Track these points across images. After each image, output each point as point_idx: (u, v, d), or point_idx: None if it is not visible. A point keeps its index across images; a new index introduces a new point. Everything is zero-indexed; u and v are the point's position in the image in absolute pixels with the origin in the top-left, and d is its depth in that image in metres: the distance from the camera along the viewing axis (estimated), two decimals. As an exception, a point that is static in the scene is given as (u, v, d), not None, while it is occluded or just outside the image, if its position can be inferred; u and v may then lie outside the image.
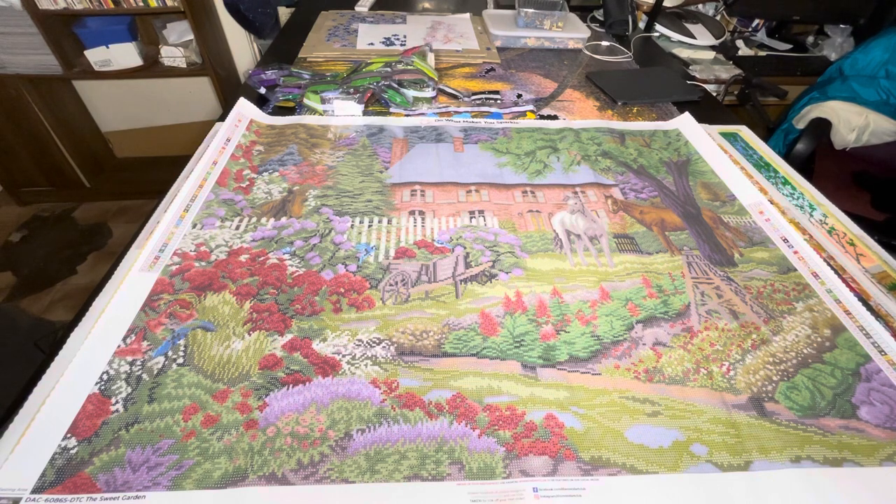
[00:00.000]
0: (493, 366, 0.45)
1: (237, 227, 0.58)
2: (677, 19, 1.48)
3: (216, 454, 0.38)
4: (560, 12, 1.13)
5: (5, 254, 1.74)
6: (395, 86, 0.86)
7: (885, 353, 0.48)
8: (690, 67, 1.35)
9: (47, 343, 0.89)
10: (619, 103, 0.92)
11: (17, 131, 1.74)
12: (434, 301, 0.52)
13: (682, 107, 0.91)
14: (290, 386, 0.43)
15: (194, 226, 0.58)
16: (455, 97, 0.90)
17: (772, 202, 0.66)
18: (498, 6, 1.34)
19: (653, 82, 1.00)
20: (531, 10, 1.12)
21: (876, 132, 1.20)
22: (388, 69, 0.88)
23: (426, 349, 0.47)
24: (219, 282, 0.51)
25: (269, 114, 0.81)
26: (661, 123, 0.86)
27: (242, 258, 0.54)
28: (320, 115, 0.81)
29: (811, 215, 0.67)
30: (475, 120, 0.83)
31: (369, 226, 0.60)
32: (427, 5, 1.43)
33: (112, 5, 1.49)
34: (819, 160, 1.30)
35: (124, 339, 0.45)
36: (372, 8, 1.31)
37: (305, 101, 0.82)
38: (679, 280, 0.56)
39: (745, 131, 0.87)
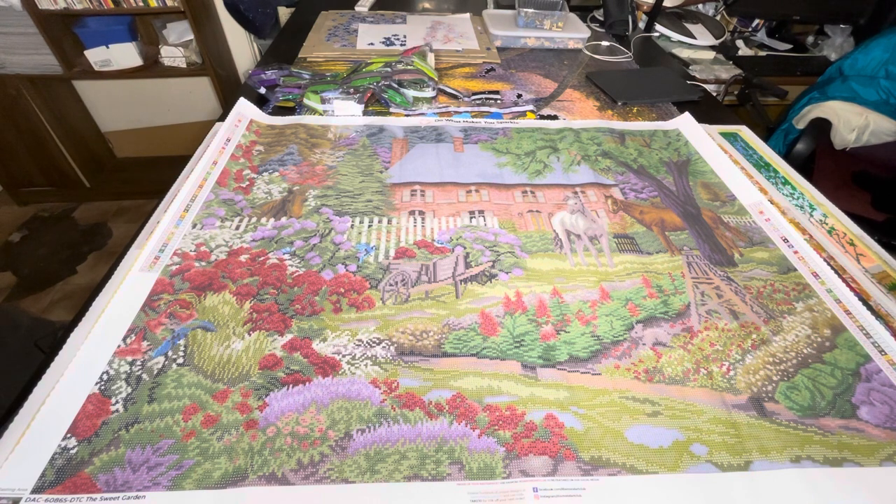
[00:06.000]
0: (493, 366, 0.45)
1: (237, 227, 0.58)
2: (677, 19, 1.48)
3: (216, 454, 0.38)
4: (560, 12, 1.12)
5: (5, 254, 1.74)
6: (395, 86, 0.86)
7: (885, 353, 0.48)
8: (690, 67, 1.35)
9: (47, 343, 0.89)
10: (619, 103, 0.92)
11: (17, 131, 1.74)
12: (434, 301, 0.52)
13: (682, 107, 0.91)
14: (290, 386, 0.43)
15: (194, 226, 0.58)
16: (455, 97, 0.90)
17: (772, 202, 0.66)
18: (498, 6, 1.34)
19: (653, 82, 1.00)
20: (531, 10, 1.12)
21: (876, 132, 1.20)
22: (388, 69, 0.88)
23: (426, 349, 0.47)
24: (219, 282, 0.51)
25: (269, 114, 0.81)
26: (661, 123, 0.86)
27: (242, 258, 0.54)
28: (320, 115, 0.81)
29: (811, 215, 0.67)
30: (475, 120, 0.83)
31: (369, 226, 0.60)
32: (427, 5, 1.42)
33: (112, 5, 1.49)
34: (819, 160, 1.30)
35: (124, 339, 0.45)
36: (372, 8, 1.31)
37: (305, 101, 0.82)
38: (679, 280, 0.56)
39: (745, 131, 0.87)
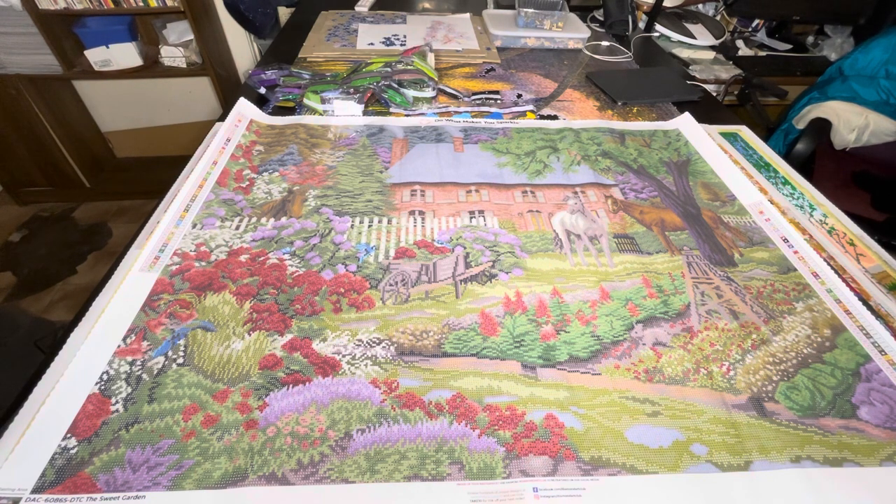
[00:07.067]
0: (493, 366, 0.45)
1: (237, 227, 0.58)
2: (677, 19, 1.48)
3: (216, 454, 0.38)
4: (560, 12, 1.12)
5: (5, 254, 1.74)
6: (395, 86, 0.86)
7: (885, 353, 0.48)
8: (690, 67, 1.35)
9: (47, 343, 0.89)
10: (619, 103, 0.92)
11: (17, 131, 1.74)
12: (434, 301, 0.52)
13: (682, 107, 0.91)
14: (290, 386, 0.43)
15: (194, 226, 0.58)
16: (455, 97, 0.90)
17: (772, 202, 0.66)
18: (498, 6, 1.34)
19: (653, 82, 1.00)
20: (531, 10, 1.12)
21: (876, 132, 1.20)
22: (388, 69, 0.88)
23: (426, 349, 0.47)
24: (219, 282, 0.51)
25: (269, 114, 0.81)
26: (661, 123, 0.86)
27: (242, 258, 0.54)
28: (320, 115, 0.81)
29: (811, 215, 0.67)
30: (475, 120, 0.83)
31: (369, 226, 0.60)
32: (427, 5, 1.43)
33: (112, 5, 1.49)
34: (819, 160, 1.30)
35: (124, 339, 0.45)
36: (372, 8, 1.31)
37: (305, 101, 0.82)
38: (679, 280, 0.56)
39: (745, 131, 0.87)
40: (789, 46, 1.65)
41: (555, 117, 0.87)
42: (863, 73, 1.29)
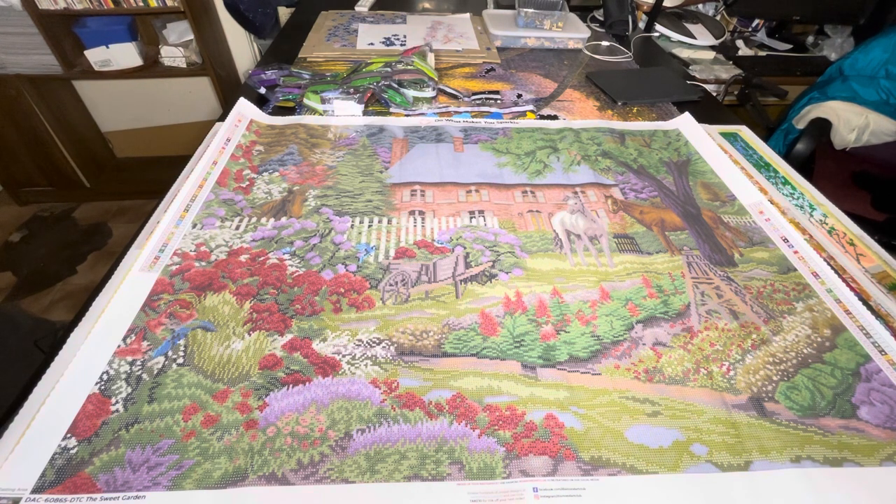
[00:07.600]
0: (493, 366, 0.45)
1: (237, 227, 0.58)
2: (677, 19, 1.48)
3: (216, 454, 0.38)
4: (560, 12, 1.12)
5: (5, 254, 1.74)
6: (395, 86, 0.86)
7: (886, 353, 0.48)
8: (690, 67, 1.35)
9: (47, 343, 0.89)
10: (619, 103, 0.92)
11: (17, 131, 1.74)
12: (434, 301, 0.52)
13: (682, 107, 0.91)
14: (290, 386, 0.43)
15: (194, 226, 0.58)
16: (455, 97, 0.90)
17: (772, 202, 0.66)
18: (498, 6, 1.34)
19: (653, 82, 1.00)
20: (531, 10, 1.12)
21: (876, 132, 1.20)
22: (388, 69, 0.88)
23: (426, 349, 0.47)
24: (219, 282, 0.51)
25: (269, 114, 0.81)
26: (661, 123, 0.86)
27: (242, 258, 0.54)
28: (320, 115, 0.81)
29: (811, 215, 0.67)
30: (475, 120, 0.83)
31: (369, 226, 0.60)
32: (427, 5, 1.42)
33: (112, 5, 1.49)
34: (819, 160, 1.30)
35: (124, 339, 0.45)
36: (372, 8, 1.31)
37: (305, 101, 0.82)
38: (679, 280, 0.56)
39: (745, 131, 0.87)
40: (789, 46, 1.65)
41: (555, 117, 0.87)
42: (863, 73, 1.29)
